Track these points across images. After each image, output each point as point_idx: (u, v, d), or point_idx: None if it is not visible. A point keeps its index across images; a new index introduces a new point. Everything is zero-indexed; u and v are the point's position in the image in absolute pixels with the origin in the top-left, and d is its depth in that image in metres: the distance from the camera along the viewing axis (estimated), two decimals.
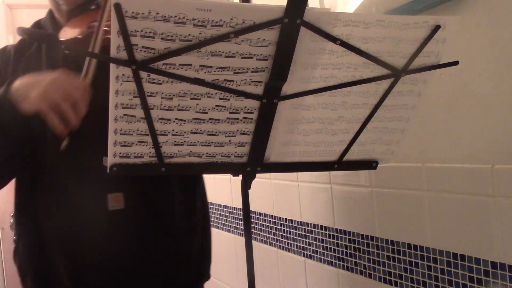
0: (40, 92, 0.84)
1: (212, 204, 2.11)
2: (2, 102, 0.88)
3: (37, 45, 1.06)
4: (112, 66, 0.64)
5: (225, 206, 2.00)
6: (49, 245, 1.03)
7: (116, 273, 1.04)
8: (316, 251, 1.46)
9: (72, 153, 0.98)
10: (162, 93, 0.68)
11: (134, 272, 1.05)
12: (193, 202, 1.16)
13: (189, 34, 0.63)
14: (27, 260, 1.07)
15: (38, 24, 1.12)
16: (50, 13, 1.10)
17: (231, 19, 0.63)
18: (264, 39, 0.66)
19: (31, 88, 0.86)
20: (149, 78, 0.66)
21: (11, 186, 1.07)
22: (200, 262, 1.18)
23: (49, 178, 1.02)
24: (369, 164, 0.88)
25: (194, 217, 1.16)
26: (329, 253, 1.40)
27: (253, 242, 1.47)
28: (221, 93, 0.70)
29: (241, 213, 1.63)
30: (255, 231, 1.76)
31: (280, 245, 1.64)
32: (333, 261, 1.39)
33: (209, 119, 0.72)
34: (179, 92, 0.68)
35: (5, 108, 0.87)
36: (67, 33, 0.98)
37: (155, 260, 1.07)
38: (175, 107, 0.70)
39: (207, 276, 1.21)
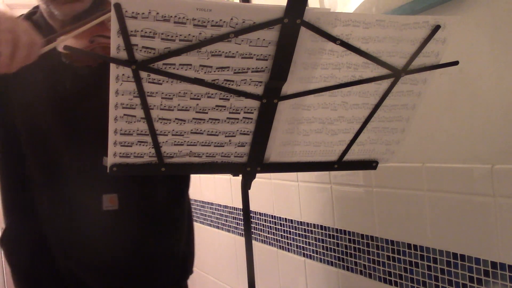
0: None
1: (212, 204, 2.11)
2: None
3: None
4: (112, 66, 0.64)
5: (225, 206, 2.00)
6: (44, 242, 1.04)
7: (107, 271, 1.06)
8: (316, 251, 1.46)
9: (70, 152, 0.99)
10: (162, 93, 0.68)
11: (124, 271, 1.08)
12: (182, 203, 1.20)
13: (189, 34, 0.63)
14: (21, 256, 1.08)
15: (29, 19, 1.04)
16: (43, 15, 1.05)
17: (231, 19, 0.63)
18: (264, 39, 0.65)
19: None
20: (149, 78, 0.66)
21: None
22: (185, 259, 1.22)
23: (45, 176, 1.03)
24: (369, 164, 0.88)
25: (182, 218, 1.20)
26: (329, 253, 1.40)
27: (253, 242, 1.47)
28: (221, 93, 0.70)
29: (241, 213, 1.64)
30: (255, 231, 1.76)
31: (280, 245, 1.63)
32: (333, 261, 1.39)
33: (209, 119, 0.72)
34: (179, 92, 0.68)
35: None
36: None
37: (145, 259, 1.10)
38: (175, 107, 0.70)
39: (190, 272, 1.25)
